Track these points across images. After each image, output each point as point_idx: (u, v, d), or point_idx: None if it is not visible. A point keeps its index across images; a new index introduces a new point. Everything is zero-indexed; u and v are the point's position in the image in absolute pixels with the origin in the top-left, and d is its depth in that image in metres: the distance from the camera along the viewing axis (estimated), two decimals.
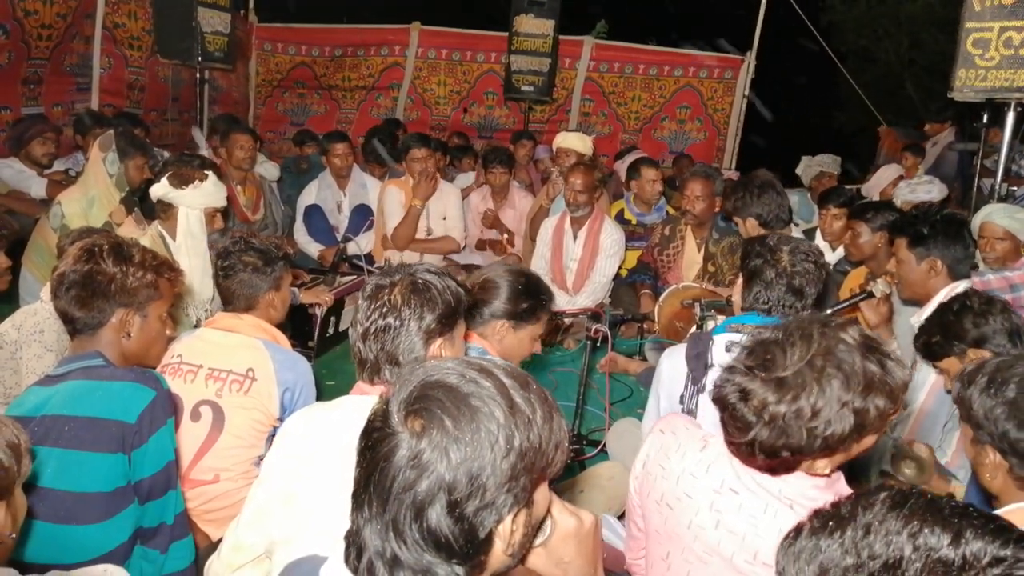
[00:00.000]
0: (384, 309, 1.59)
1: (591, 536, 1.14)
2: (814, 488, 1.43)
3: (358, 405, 1.58)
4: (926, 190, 4.63)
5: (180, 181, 3.23)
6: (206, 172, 3.32)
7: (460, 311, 1.68)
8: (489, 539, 0.94)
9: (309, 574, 1.10)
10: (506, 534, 0.96)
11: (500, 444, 0.92)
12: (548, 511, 1.08)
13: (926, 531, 0.81)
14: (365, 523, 0.95)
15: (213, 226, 3.39)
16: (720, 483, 1.48)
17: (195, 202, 3.25)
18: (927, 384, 2.63)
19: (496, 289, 2.19)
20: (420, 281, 1.62)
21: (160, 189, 3.26)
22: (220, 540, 2.11)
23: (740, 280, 2.39)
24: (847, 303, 3.06)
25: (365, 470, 0.96)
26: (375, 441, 0.95)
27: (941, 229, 2.77)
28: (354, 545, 0.97)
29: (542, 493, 1.02)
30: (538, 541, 1.08)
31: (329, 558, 1.08)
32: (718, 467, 1.50)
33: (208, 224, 3.32)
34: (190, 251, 3.20)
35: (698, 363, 2.20)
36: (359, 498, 0.97)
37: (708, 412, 2.14)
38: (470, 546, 0.93)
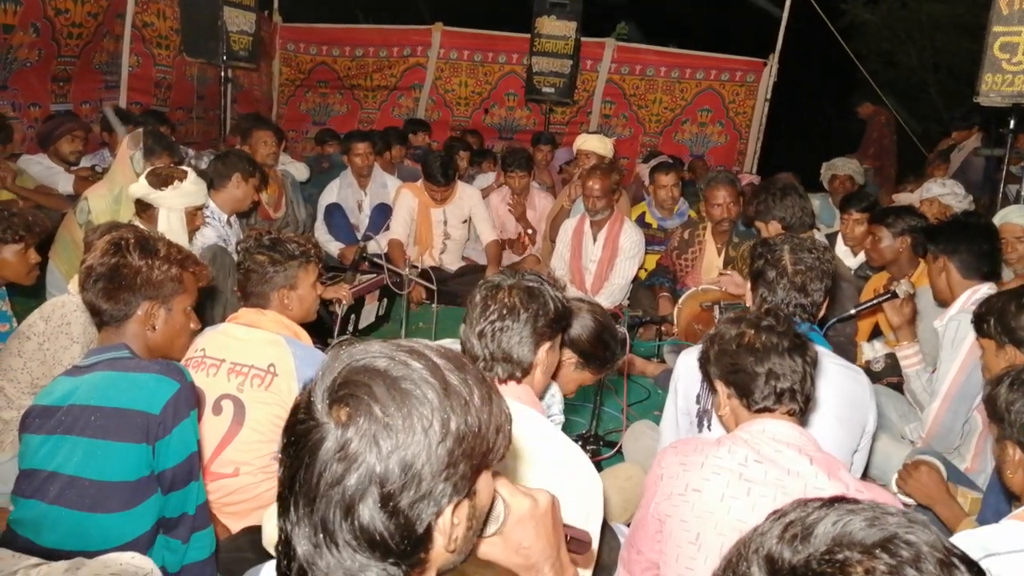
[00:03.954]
0: (503, 311, 1.66)
1: (549, 515, 1.09)
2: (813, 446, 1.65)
3: None
4: (956, 198, 4.58)
5: (160, 182, 3.22)
6: (185, 170, 3.32)
7: (566, 319, 1.78)
8: (428, 534, 0.87)
9: None
10: (446, 528, 0.88)
11: (435, 429, 0.85)
12: (494, 499, 1.01)
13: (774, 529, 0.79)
14: (293, 528, 0.86)
15: (194, 224, 3.40)
16: (744, 458, 1.63)
17: (175, 203, 3.25)
18: (942, 390, 2.62)
19: (585, 324, 2.19)
20: (533, 287, 1.71)
21: (140, 189, 3.25)
22: (241, 531, 2.16)
23: (749, 284, 2.41)
24: (870, 303, 3.05)
25: (289, 468, 0.87)
26: (299, 435, 0.87)
27: (949, 228, 2.84)
28: (284, 555, 0.88)
29: (485, 482, 0.95)
30: (492, 530, 1.03)
31: (267, 563, 1.01)
32: (738, 449, 1.66)
33: (189, 223, 3.33)
34: None
35: None
36: (284, 501, 0.87)
37: None
38: (407, 543, 0.85)
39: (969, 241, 2.77)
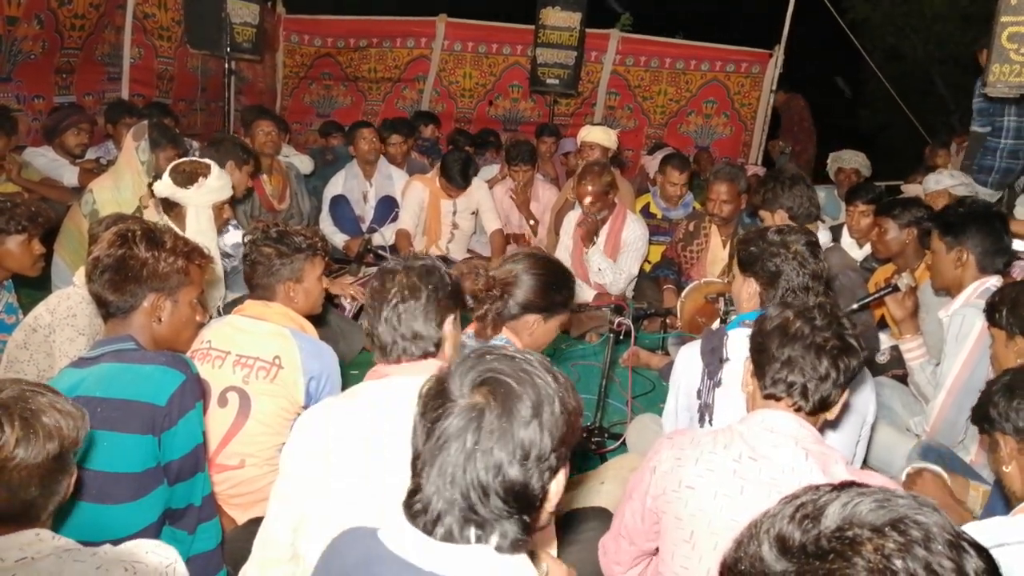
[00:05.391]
0: (404, 293, 1.72)
1: None
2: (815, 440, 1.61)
3: (377, 393, 1.70)
4: (966, 188, 4.56)
5: (185, 180, 3.21)
6: (208, 164, 3.31)
7: (461, 290, 1.88)
8: (546, 494, 1.08)
9: (366, 538, 1.16)
10: (556, 491, 1.10)
11: (556, 404, 1.07)
12: (541, 560, 1.23)
13: (786, 511, 0.81)
14: (439, 489, 1.05)
15: (223, 217, 3.39)
16: (739, 455, 1.60)
17: (202, 200, 3.24)
18: (947, 384, 2.61)
19: (527, 285, 2.21)
20: (427, 264, 1.79)
21: (166, 188, 3.23)
22: (247, 522, 2.17)
23: (743, 279, 2.32)
24: (872, 297, 3.04)
25: (436, 441, 1.07)
26: (440, 416, 1.07)
27: (971, 219, 2.76)
28: (426, 512, 1.07)
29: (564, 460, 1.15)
30: None
31: (380, 528, 1.17)
32: (734, 445, 1.61)
33: (217, 218, 3.33)
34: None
35: (713, 358, 2.20)
36: (426, 465, 1.07)
37: (725, 406, 2.15)
38: (537, 498, 1.06)
39: (995, 236, 2.73)
